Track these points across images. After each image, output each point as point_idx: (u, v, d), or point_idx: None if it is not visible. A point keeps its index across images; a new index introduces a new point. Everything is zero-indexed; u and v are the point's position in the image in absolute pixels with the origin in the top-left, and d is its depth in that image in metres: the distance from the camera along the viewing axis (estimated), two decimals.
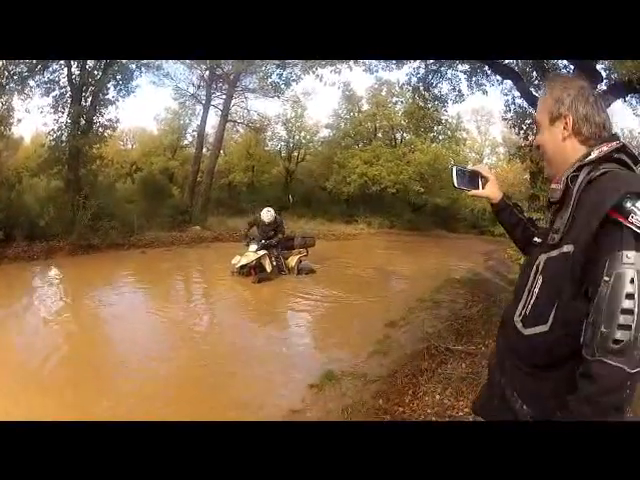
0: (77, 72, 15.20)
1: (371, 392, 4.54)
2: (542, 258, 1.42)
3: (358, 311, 7.86)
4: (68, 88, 15.29)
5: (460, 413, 3.92)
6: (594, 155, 1.36)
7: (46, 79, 15.23)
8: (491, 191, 1.93)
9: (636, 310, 1.14)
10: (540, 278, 1.41)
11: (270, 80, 15.61)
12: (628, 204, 1.19)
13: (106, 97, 15.97)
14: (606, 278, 1.16)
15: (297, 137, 28.21)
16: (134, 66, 16.23)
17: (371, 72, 13.80)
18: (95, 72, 15.48)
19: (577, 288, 1.26)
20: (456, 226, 26.60)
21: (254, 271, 9.70)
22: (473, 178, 1.95)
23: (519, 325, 1.49)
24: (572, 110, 1.41)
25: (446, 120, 18.13)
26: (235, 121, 24.31)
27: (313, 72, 11.79)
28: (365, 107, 27.10)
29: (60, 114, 15.39)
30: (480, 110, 30.97)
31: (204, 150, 22.27)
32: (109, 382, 4.87)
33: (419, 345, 5.87)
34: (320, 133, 28.78)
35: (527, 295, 1.48)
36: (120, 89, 16.33)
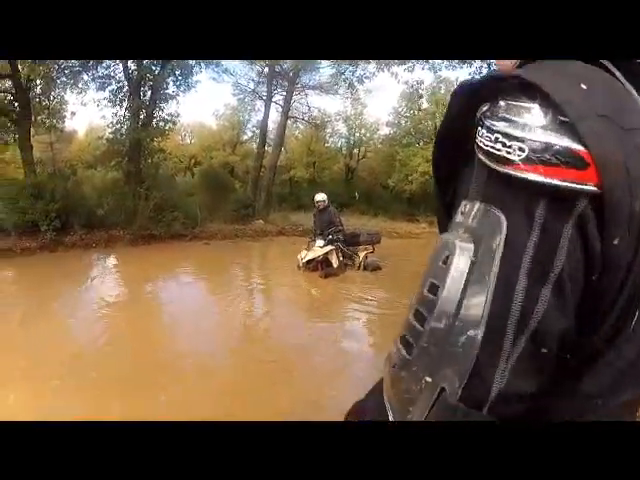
0: (133, 67, 15.59)
1: None
2: None
3: None
4: (125, 82, 15.68)
5: None
6: None
7: (100, 74, 15.84)
8: None
9: None
10: None
11: (343, 77, 15.54)
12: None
13: (166, 92, 16.31)
14: None
15: (357, 134, 28.10)
16: (193, 62, 16.45)
17: (434, 71, 13.79)
18: (153, 67, 15.80)
19: None
20: None
21: (321, 266, 9.84)
22: None
23: None
24: None
25: None
26: (296, 117, 24.37)
27: (388, 70, 12.00)
28: (425, 105, 26.79)
29: (118, 108, 15.92)
30: None
31: (265, 146, 22.47)
32: (164, 376, 4.85)
33: None
34: (380, 131, 28.59)
35: None
36: (180, 84, 16.66)
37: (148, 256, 12.30)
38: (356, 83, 15.63)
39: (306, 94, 23.11)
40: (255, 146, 26.65)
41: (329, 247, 9.97)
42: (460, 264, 0.62)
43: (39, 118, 15.94)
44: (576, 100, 0.59)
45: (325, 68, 21.91)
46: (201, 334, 6.32)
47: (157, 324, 7.20)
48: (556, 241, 0.58)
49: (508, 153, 0.59)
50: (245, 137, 28.98)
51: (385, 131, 28.39)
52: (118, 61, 15.40)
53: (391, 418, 0.75)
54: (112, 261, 11.90)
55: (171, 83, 16.47)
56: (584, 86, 0.62)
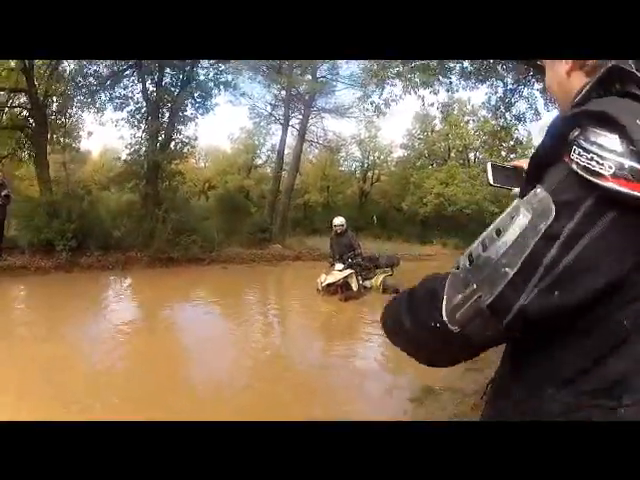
0: (152, 88, 15.74)
1: (469, 405, 4.70)
2: None
3: None
4: (144, 103, 15.73)
5: None
6: (589, 86, 1.13)
7: (118, 94, 15.92)
8: None
9: None
10: None
11: (370, 100, 15.67)
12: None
13: (185, 114, 16.33)
14: None
15: (371, 157, 28.32)
16: (212, 84, 16.56)
17: (452, 92, 13.94)
18: (172, 89, 15.94)
19: None
20: None
21: (341, 289, 9.90)
22: (513, 175, 1.68)
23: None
24: None
25: (517, 138, 18.07)
26: (313, 141, 24.48)
27: (415, 92, 12.13)
28: (438, 127, 27.06)
29: (136, 129, 15.94)
30: (545, 127, 30.24)
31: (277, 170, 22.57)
32: (179, 400, 4.78)
33: None
34: (394, 153, 28.85)
35: None
36: (199, 107, 16.68)
37: (166, 279, 12.23)
38: (382, 106, 15.73)
39: (322, 117, 23.32)
40: (269, 170, 27.09)
41: (348, 271, 10.03)
42: (520, 223, 0.90)
43: (55, 136, 15.94)
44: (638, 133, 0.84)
45: (342, 91, 22.32)
46: (218, 358, 6.31)
47: (174, 348, 7.09)
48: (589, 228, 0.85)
49: (601, 169, 0.83)
50: (259, 161, 29.29)
51: (399, 153, 28.72)
52: (136, 81, 15.67)
53: (444, 302, 0.98)
54: (128, 283, 11.82)
55: (189, 105, 16.50)
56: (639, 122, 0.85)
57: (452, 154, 26.97)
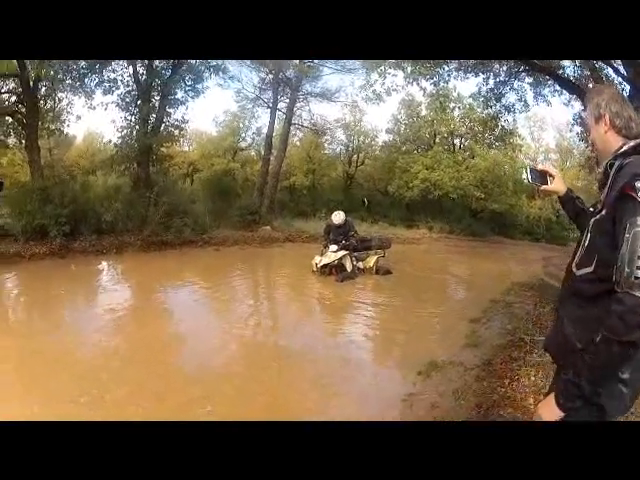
0: (142, 71, 15.60)
1: (473, 377, 5.05)
2: (591, 221, 1.91)
3: (439, 310, 8.32)
4: (134, 86, 15.64)
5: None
6: (625, 147, 1.85)
7: (106, 77, 15.63)
8: (558, 186, 2.35)
9: None
10: (589, 235, 1.92)
11: (372, 89, 15.79)
12: (638, 184, 1.64)
13: (176, 97, 16.32)
14: (627, 235, 1.63)
15: (356, 141, 28.35)
16: (203, 68, 16.37)
17: (444, 82, 14.20)
18: (163, 72, 15.87)
19: (610, 241, 1.75)
20: (512, 232, 26.67)
21: (335, 270, 10.18)
22: (543, 175, 2.34)
23: (574, 269, 1.99)
24: (607, 109, 1.91)
25: (502, 127, 18.34)
26: (300, 125, 24.70)
27: (417, 84, 12.44)
28: (423, 112, 27.16)
29: (125, 112, 15.87)
30: (532, 116, 30.31)
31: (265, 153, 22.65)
32: (168, 384, 4.87)
33: (504, 339, 6.44)
34: (379, 138, 28.94)
35: (581, 248, 1.97)
36: (189, 90, 16.66)
37: (160, 262, 12.34)
38: (384, 95, 15.88)
39: (308, 101, 23.50)
40: (254, 153, 27.25)
41: (343, 252, 10.26)
42: None
43: (41, 122, 15.38)
44: None
45: (328, 75, 22.38)
46: (213, 340, 6.39)
47: (170, 330, 7.11)
48: None
49: None
50: (244, 144, 29.08)
51: (384, 138, 28.81)
52: (126, 65, 15.49)
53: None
54: (122, 266, 11.85)
55: (180, 89, 16.51)
56: None
57: (437, 140, 27.10)
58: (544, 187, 2.34)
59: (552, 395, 1.85)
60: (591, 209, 2.08)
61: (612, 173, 1.83)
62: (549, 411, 1.81)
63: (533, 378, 4.75)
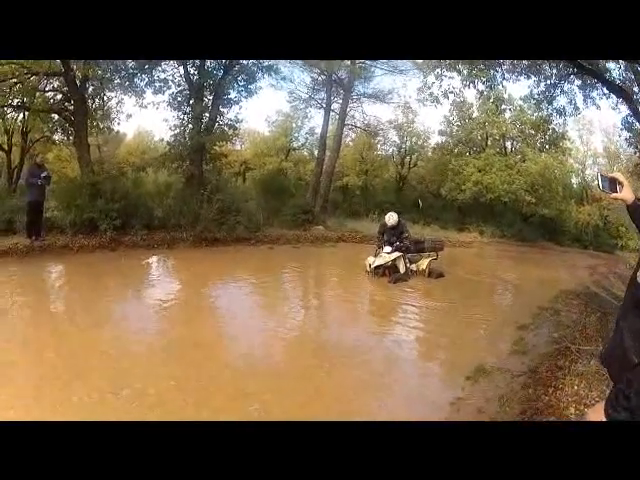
0: (193, 70, 15.79)
1: (519, 384, 5.16)
2: None
3: (488, 315, 8.38)
4: (186, 86, 15.90)
5: (593, 402, 4.34)
6: None
7: (157, 77, 15.87)
8: (627, 194, 2.33)
9: None
10: None
11: (429, 91, 15.99)
12: None
13: (229, 97, 16.53)
14: None
15: (409, 142, 28.25)
16: (255, 68, 16.52)
17: (498, 84, 14.28)
18: (215, 72, 16.03)
19: None
20: (561, 239, 26.35)
21: (388, 272, 10.33)
22: (612, 183, 2.33)
23: (638, 279, 1.99)
24: None
25: (553, 129, 18.16)
26: (353, 125, 24.97)
27: (474, 86, 12.66)
28: (475, 114, 26.95)
29: (178, 111, 16.08)
30: (581, 119, 29.40)
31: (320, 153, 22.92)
32: (214, 380, 4.92)
33: (550, 347, 6.50)
34: (431, 139, 28.88)
35: None
36: (242, 90, 16.80)
37: (212, 258, 12.49)
38: (441, 97, 16.06)
39: (361, 102, 23.84)
40: (306, 153, 27.87)
41: (397, 253, 10.44)
42: None
43: (92, 119, 16.07)
44: None
45: (380, 77, 22.74)
46: (262, 338, 6.46)
47: (219, 326, 7.28)
48: None
49: None
50: (297, 144, 29.58)
51: (437, 139, 28.73)
52: (176, 65, 15.81)
53: None
54: (173, 262, 11.97)
55: (233, 88, 16.72)
56: None
57: (489, 142, 26.84)
58: (614, 195, 2.35)
59: (603, 402, 1.82)
60: None
61: None
62: (595, 418, 1.79)
63: (576, 387, 4.77)
